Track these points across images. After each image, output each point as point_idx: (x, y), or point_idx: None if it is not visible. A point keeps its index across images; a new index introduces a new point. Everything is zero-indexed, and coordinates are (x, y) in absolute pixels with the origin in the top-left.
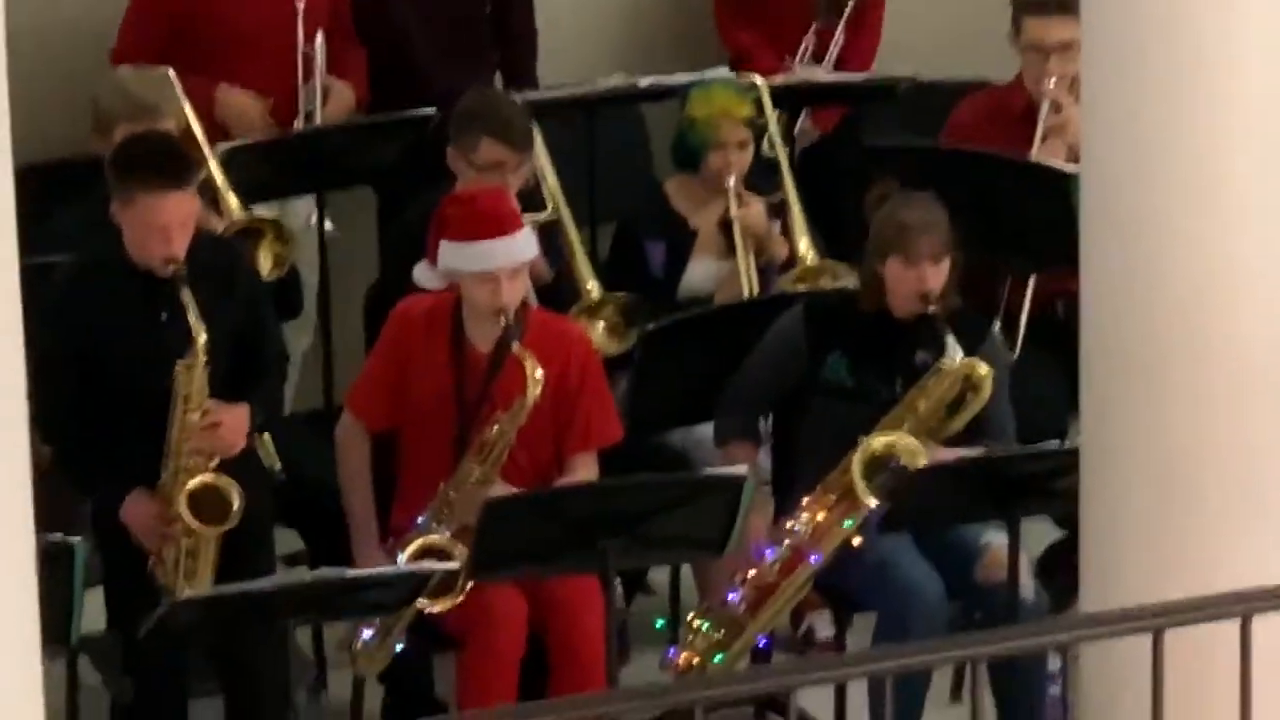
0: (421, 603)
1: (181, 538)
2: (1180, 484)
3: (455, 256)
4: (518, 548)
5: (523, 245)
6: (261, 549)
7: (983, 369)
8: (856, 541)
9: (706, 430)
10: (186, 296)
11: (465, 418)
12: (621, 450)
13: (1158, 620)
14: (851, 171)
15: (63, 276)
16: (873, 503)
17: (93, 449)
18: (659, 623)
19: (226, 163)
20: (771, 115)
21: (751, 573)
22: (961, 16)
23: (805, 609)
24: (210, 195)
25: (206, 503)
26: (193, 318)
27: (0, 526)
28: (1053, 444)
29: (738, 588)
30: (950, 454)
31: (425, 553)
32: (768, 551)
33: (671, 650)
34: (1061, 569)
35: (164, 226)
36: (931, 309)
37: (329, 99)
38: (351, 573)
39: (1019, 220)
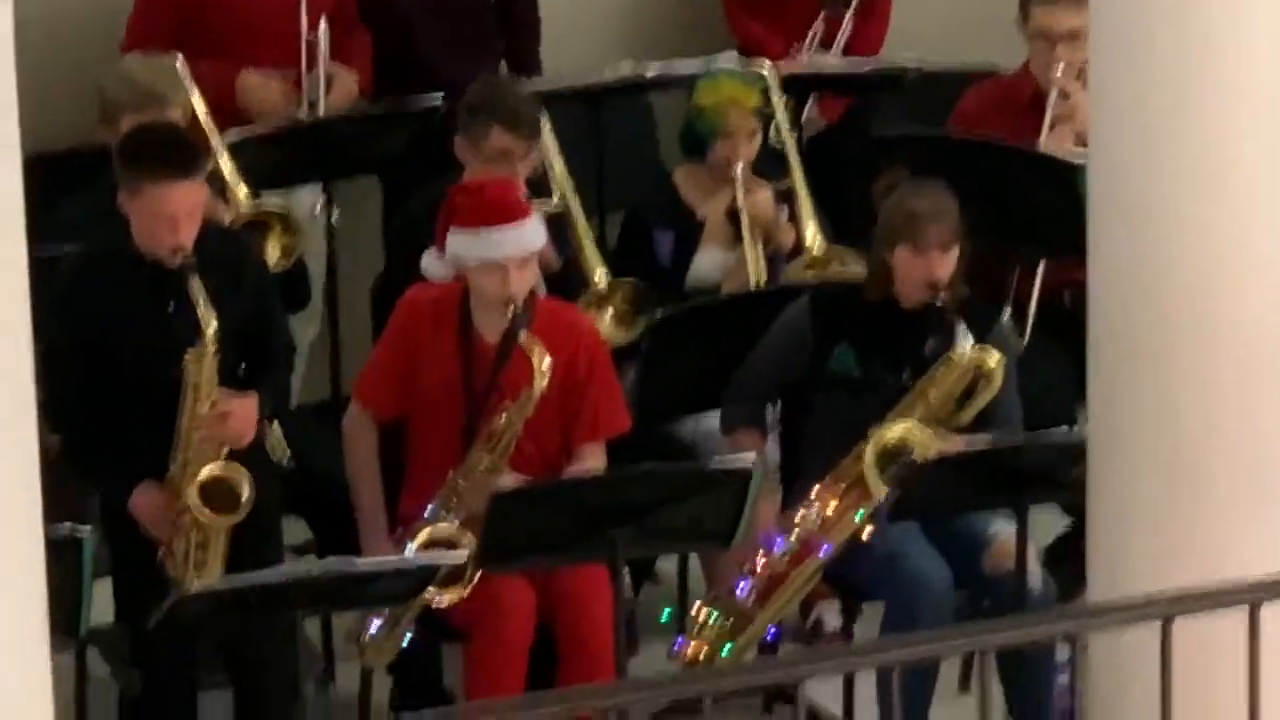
0: (430, 594)
1: (191, 529)
2: (1188, 471)
3: (463, 245)
4: (526, 538)
5: (531, 234)
6: (270, 539)
7: (993, 359)
8: (867, 533)
9: (715, 421)
10: (195, 286)
11: (473, 408)
12: (629, 440)
13: (1166, 609)
14: (858, 160)
15: (70, 266)
16: (884, 494)
17: (101, 440)
18: (666, 612)
19: (232, 151)
20: (779, 103)
21: (760, 563)
22: (969, 4)
23: (814, 599)
24: (218, 185)
25: (216, 493)
26: (201, 307)
27: (9, 518)
28: (1061, 432)
29: (746, 577)
30: (963, 443)
31: (433, 543)
32: (777, 540)
33: (679, 640)
34: (1070, 558)
35: (171, 216)
36: (940, 298)
37: (333, 86)
38: (360, 564)
39: (1028, 209)
